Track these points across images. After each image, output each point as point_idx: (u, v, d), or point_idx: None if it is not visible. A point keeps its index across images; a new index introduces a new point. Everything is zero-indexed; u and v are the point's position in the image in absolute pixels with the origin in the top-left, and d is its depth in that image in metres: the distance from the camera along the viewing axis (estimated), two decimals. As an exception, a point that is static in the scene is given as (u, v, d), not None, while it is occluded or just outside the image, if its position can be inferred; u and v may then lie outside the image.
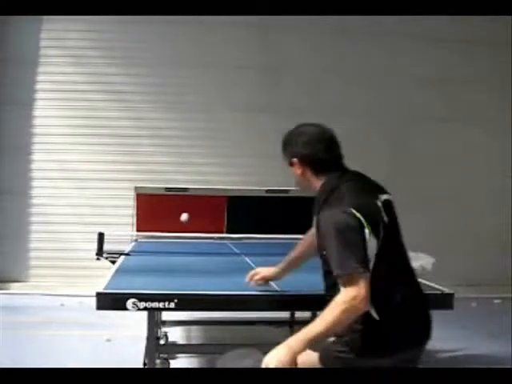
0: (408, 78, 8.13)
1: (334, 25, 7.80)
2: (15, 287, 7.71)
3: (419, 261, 3.31)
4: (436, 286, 3.23)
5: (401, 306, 2.37)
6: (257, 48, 8.15)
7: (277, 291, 3.06)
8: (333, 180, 2.48)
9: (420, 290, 2.56)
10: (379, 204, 2.41)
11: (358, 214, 2.28)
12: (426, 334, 2.47)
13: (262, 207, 5.95)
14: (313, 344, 2.24)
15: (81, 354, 4.90)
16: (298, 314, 5.50)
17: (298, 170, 2.58)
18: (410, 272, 2.54)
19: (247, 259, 4.40)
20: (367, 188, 2.49)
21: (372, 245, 2.29)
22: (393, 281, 2.39)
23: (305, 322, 5.65)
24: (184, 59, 8.09)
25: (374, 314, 2.31)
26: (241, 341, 4.66)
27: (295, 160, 2.57)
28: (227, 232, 5.76)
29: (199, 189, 6.30)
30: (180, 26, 7.83)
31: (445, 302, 3.06)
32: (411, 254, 3.39)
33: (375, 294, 2.26)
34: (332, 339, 2.39)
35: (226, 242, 5.56)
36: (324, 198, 2.45)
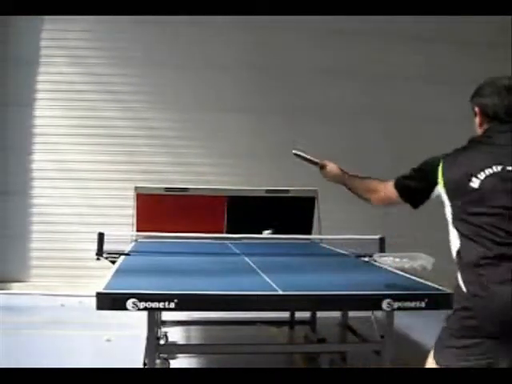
0: (408, 78, 8.15)
1: (333, 25, 7.81)
2: (15, 287, 7.72)
3: (419, 261, 3.30)
4: (436, 286, 3.23)
5: (485, 282, 2.17)
6: (256, 48, 8.15)
7: (277, 291, 3.06)
8: (489, 132, 2.38)
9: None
10: (490, 171, 2.25)
11: (441, 165, 2.35)
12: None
13: (261, 207, 5.95)
14: None
15: (81, 354, 4.90)
16: (298, 314, 5.51)
17: (476, 121, 2.49)
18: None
19: (247, 259, 4.40)
20: (493, 156, 2.29)
21: (444, 199, 2.36)
22: (477, 256, 2.20)
23: (305, 322, 5.68)
24: (184, 60, 8.09)
25: (463, 286, 2.22)
26: (240, 341, 4.66)
27: (476, 109, 2.47)
28: (227, 232, 5.76)
29: (199, 189, 6.30)
30: (179, 26, 7.83)
31: (445, 302, 3.06)
32: (411, 254, 3.40)
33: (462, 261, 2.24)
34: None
35: (225, 242, 5.56)
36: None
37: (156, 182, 6.83)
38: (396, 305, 2.92)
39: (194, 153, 8.12)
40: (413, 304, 3.04)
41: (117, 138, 8.05)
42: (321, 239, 5.81)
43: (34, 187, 8.00)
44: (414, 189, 2.49)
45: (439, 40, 8.20)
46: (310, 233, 5.90)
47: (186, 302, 2.89)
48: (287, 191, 6.09)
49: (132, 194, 5.99)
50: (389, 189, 2.61)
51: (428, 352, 2.32)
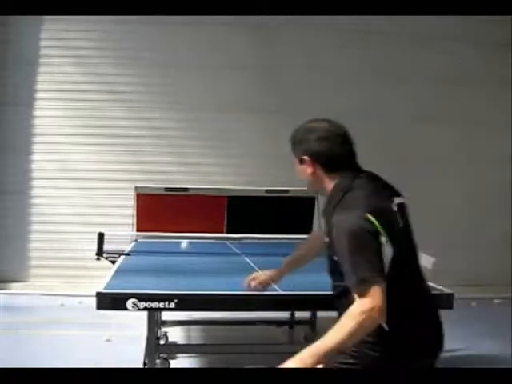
0: (408, 79, 8.15)
1: (333, 25, 7.81)
2: (15, 287, 7.71)
3: (419, 260, 3.30)
4: (436, 286, 3.23)
5: (413, 316, 2.26)
6: (257, 48, 8.14)
7: (277, 291, 3.06)
8: (346, 180, 2.31)
9: (431, 298, 2.45)
10: (394, 208, 2.29)
11: (374, 219, 2.15)
12: (439, 344, 2.33)
13: (262, 207, 5.95)
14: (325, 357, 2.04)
15: (80, 354, 4.90)
16: (298, 314, 5.51)
17: (308, 169, 2.39)
18: (422, 279, 2.38)
19: (247, 259, 4.40)
20: (382, 190, 2.34)
21: (388, 252, 2.16)
22: (405, 289, 2.25)
23: (304, 322, 5.67)
24: (184, 59, 8.09)
25: (384, 325, 2.13)
26: (241, 341, 4.66)
27: (306, 158, 2.39)
28: (227, 232, 5.76)
29: (199, 189, 6.30)
30: (180, 26, 7.82)
31: (445, 301, 3.06)
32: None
33: (387, 303, 2.08)
34: None
35: (226, 242, 5.56)
36: (337, 200, 2.28)
37: (156, 182, 6.83)
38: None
39: (196, 153, 8.11)
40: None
41: (117, 137, 8.04)
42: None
43: (33, 187, 8.00)
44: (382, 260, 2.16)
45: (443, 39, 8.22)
46: (309, 233, 5.90)
47: (185, 302, 2.89)
48: (287, 191, 6.09)
49: (132, 193, 5.99)
50: (377, 297, 2.08)
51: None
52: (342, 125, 2.46)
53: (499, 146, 8.28)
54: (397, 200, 2.34)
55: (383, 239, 2.14)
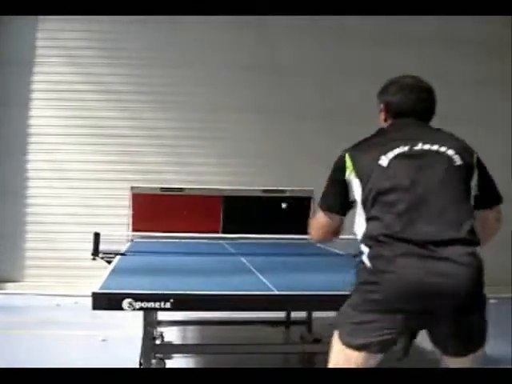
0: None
1: (332, 25, 7.81)
2: (10, 287, 7.69)
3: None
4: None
5: (391, 256, 2.18)
6: (254, 48, 8.14)
7: (272, 291, 3.06)
8: (388, 127, 2.51)
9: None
10: (398, 151, 2.31)
11: (348, 157, 2.38)
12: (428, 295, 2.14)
13: (258, 207, 5.95)
14: None
15: (76, 354, 4.89)
16: (294, 314, 5.51)
17: (381, 116, 2.59)
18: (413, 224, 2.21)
19: (243, 259, 4.40)
20: (399, 136, 2.39)
21: (356, 187, 2.35)
22: (387, 232, 2.21)
23: (300, 322, 5.68)
24: (180, 59, 8.09)
25: (366, 261, 2.26)
26: (236, 341, 4.66)
27: (381, 106, 2.58)
28: (223, 232, 5.76)
29: (195, 189, 6.29)
30: (176, 25, 7.83)
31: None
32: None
33: (366, 238, 2.28)
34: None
35: (221, 242, 5.56)
36: None
37: (152, 182, 6.82)
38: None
39: (190, 153, 8.11)
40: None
41: (112, 138, 8.03)
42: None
43: (28, 187, 7.98)
44: (335, 194, 2.48)
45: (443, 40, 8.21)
46: (306, 232, 5.90)
47: (181, 302, 2.89)
48: (283, 191, 6.09)
49: (128, 194, 5.98)
50: (319, 218, 2.59)
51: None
52: (417, 79, 2.60)
53: (499, 146, 8.28)
54: (419, 145, 2.33)
55: (350, 175, 2.37)
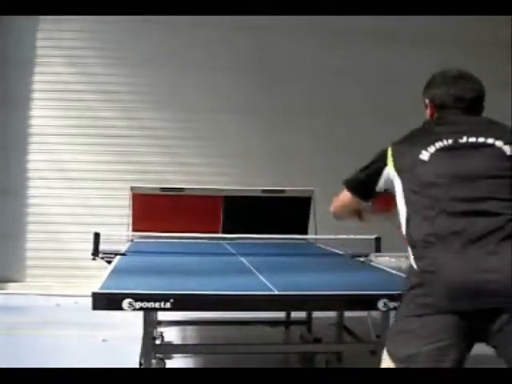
0: (408, 78, 8.15)
1: (331, 25, 7.81)
2: (11, 287, 7.70)
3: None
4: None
5: (428, 254, 2.14)
6: (251, 49, 8.14)
7: (272, 291, 3.06)
8: (435, 119, 2.46)
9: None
10: (440, 144, 2.26)
11: (390, 151, 2.37)
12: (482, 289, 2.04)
13: (257, 207, 5.95)
14: None
15: (76, 354, 4.89)
16: (294, 314, 5.51)
17: (427, 112, 2.54)
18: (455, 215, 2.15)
19: (243, 259, 4.40)
20: (443, 130, 2.33)
21: (396, 183, 2.33)
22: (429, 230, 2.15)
23: (300, 322, 5.67)
24: (180, 60, 8.09)
25: (414, 264, 2.19)
26: (236, 341, 4.66)
27: (426, 101, 2.53)
28: (223, 232, 5.76)
29: (195, 189, 6.29)
30: (175, 26, 7.83)
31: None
32: (408, 254, 3.40)
33: (409, 237, 2.24)
34: None
35: (221, 242, 5.56)
36: None
37: (152, 182, 6.82)
38: (392, 305, 2.92)
39: (190, 153, 8.12)
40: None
41: (112, 138, 8.04)
42: (316, 239, 5.81)
43: (29, 187, 7.99)
44: (364, 178, 2.51)
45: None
46: (305, 233, 5.91)
47: (181, 302, 2.88)
48: (283, 191, 6.09)
49: (127, 193, 5.98)
50: (341, 195, 2.67)
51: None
52: (461, 71, 2.52)
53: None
54: (464, 138, 2.27)
55: (390, 170, 2.36)
